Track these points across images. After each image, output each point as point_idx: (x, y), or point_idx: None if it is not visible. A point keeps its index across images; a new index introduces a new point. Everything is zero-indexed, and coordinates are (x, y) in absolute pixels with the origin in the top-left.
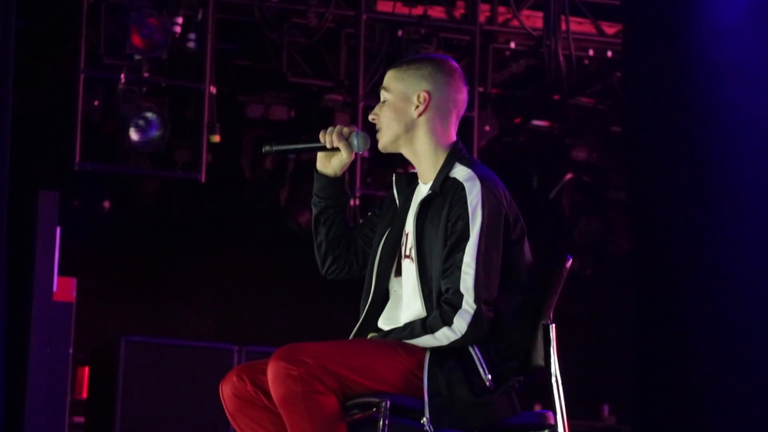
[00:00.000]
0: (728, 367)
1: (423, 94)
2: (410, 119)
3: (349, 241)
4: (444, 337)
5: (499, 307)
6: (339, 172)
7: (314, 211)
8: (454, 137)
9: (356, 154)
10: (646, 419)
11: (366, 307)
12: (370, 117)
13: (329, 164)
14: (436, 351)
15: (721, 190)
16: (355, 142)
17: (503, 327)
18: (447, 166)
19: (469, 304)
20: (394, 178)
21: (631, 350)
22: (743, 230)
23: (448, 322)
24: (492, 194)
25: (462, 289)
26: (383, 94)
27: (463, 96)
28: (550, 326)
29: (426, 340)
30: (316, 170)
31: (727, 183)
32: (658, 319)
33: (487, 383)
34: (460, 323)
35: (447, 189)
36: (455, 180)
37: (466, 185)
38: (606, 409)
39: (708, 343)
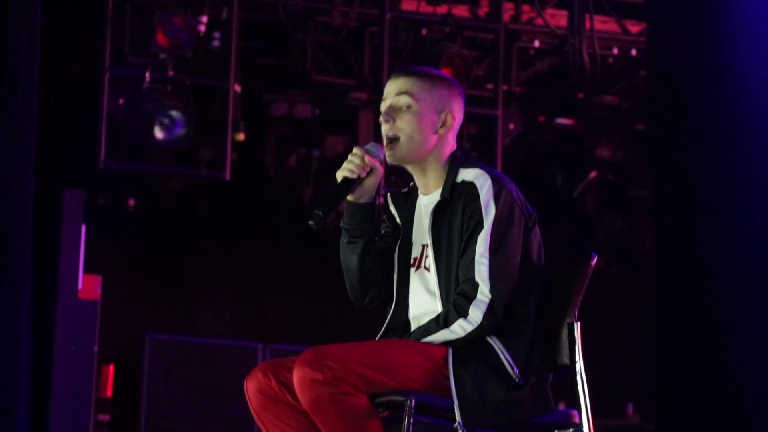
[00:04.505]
0: (752, 366)
1: (452, 115)
2: (433, 134)
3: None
4: (460, 328)
5: (516, 303)
6: (374, 192)
7: (360, 243)
8: (455, 146)
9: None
10: (670, 418)
11: (388, 320)
12: (384, 119)
13: (364, 189)
14: (458, 351)
15: (745, 189)
16: (378, 153)
17: (521, 322)
18: (452, 172)
19: (484, 294)
20: (389, 197)
21: (656, 348)
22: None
23: (463, 314)
24: (503, 187)
25: (477, 278)
26: (405, 99)
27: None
28: (575, 324)
29: (443, 335)
30: (352, 204)
31: (751, 181)
32: (682, 317)
33: (516, 378)
34: (476, 313)
35: (458, 192)
36: (464, 181)
37: (477, 182)
38: (630, 407)
39: (732, 341)
